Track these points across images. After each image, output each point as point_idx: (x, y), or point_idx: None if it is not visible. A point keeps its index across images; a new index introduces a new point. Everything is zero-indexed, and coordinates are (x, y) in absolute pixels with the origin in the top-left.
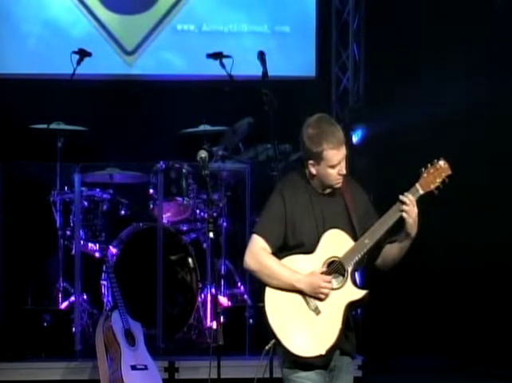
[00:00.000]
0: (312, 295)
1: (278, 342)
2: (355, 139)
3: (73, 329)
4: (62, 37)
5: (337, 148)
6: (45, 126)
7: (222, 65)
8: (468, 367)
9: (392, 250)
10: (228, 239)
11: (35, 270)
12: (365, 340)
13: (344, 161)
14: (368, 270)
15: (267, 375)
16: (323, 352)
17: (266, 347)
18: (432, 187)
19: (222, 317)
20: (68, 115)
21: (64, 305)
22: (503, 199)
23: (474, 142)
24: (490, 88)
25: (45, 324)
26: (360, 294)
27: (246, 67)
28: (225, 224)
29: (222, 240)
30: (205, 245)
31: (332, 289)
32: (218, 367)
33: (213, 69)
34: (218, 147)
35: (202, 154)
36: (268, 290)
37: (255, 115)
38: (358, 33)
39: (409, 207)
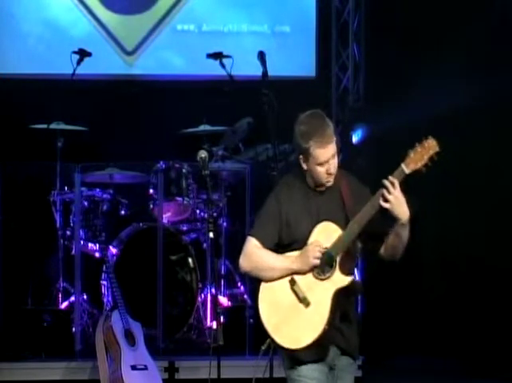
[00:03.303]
0: (307, 269)
1: (272, 340)
2: (355, 139)
3: (73, 329)
4: (62, 37)
5: (324, 147)
6: (44, 126)
7: (222, 65)
8: (468, 367)
9: (391, 239)
10: (228, 239)
11: (35, 270)
12: (365, 340)
13: (335, 159)
14: (368, 268)
15: (267, 375)
16: (312, 339)
17: (262, 347)
18: (419, 164)
19: (222, 317)
20: (68, 115)
21: (64, 305)
22: (504, 198)
23: (474, 142)
24: (490, 88)
25: (45, 324)
26: (346, 280)
27: (246, 67)
28: (225, 224)
29: (222, 240)
30: (205, 245)
31: (321, 279)
32: (218, 367)
33: (213, 69)
34: (218, 147)
35: (202, 154)
36: (262, 289)
37: (255, 115)
38: (358, 33)
39: (388, 191)
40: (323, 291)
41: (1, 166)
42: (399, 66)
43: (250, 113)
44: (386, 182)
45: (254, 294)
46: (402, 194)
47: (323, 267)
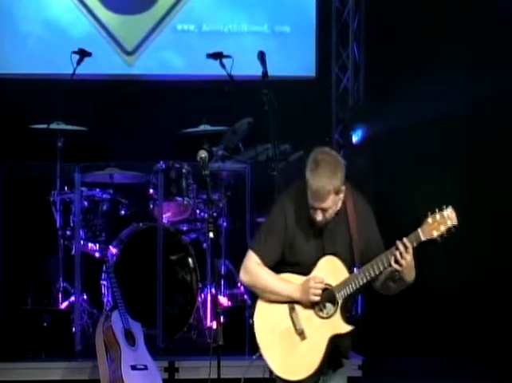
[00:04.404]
0: (306, 303)
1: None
2: (355, 139)
3: (73, 329)
4: (62, 37)
5: (314, 199)
6: (45, 126)
7: (222, 65)
8: (468, 368)
9: (391, 284)
10: (228, 239)
11: (35, 270)
12: (365, 340)
13: (326, 213)
14: None
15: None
16: (302, 377)
17: (254, 357)
18: (435, 234)
19: (222, 317)
20: (68, 115)
21: (64, 305)
22: (505, 198)
23: (474, 142)
24: (490, 88)
25: (45, 324)
26: (345, 328)
27: (246, 67)
28: (225, 224)
29: (222, 240)
30: (205, 245)
31: (321, 317)
32: (218, 367)
33: (213, 69)
34: (218, 147)
35: (202, 154)
36: (259, 307)
37: (255, 115)
38: (358, 33)
39: (400, 255)
40: (321, 331)
41: (1, 166)
42: (399, 66)
43: (250, 113)
44: (400, 245)
45: (254, 294)
46: (413, 259)
47: (324, 303)
